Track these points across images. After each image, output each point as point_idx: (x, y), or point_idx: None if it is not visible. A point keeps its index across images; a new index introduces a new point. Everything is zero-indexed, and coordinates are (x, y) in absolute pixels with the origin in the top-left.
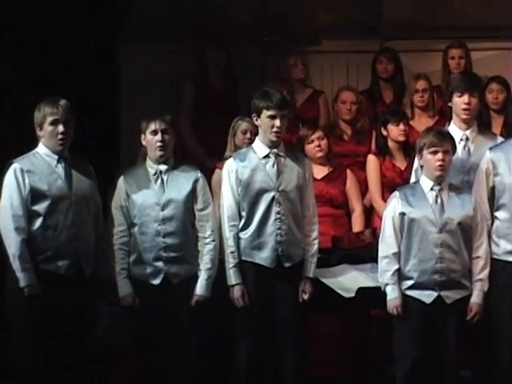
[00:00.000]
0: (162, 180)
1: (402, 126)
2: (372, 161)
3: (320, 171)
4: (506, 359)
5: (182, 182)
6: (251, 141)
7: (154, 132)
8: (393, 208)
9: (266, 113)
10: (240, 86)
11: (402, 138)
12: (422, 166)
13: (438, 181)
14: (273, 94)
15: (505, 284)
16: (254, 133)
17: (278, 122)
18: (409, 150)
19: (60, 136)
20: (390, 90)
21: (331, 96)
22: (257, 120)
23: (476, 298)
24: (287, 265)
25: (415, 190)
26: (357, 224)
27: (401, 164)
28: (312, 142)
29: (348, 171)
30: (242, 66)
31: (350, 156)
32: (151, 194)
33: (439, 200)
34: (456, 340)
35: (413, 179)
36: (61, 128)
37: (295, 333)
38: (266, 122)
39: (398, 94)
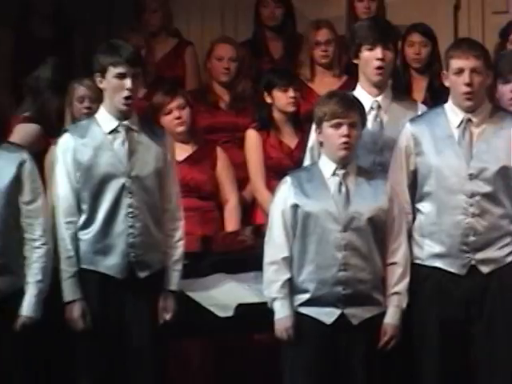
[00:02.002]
0: None
1: (291, 93)
2: (252, 137)
3: (181, 151)
4: None
5: (1, 166)
6: (92, 111)
7: None
8: (282, 199)
9: (112, 71)
10: (75, 36)
11: (291, 108)
12: (321, 143)
13: (343, 163)
14: (121, 47)
15: (430, 297)
16: (95, 99)
17: (128, 83)
18: (300, 122)
19: None
20: (278, 42)
21: (202, 51)
22: (101, 82)
23: (391, 317)
24: (142, 275)
25: (312, 175)
26: (231, 220)
27: (290, 141)
28: (170, 112)
29: (218, 150)
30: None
31: (227, 130)
32: None
33: (343, 188)
34: (365, 371)
35: (307, 161)
36: None
37: (152, 363)
38: (114, 82)
39: (288, 48)
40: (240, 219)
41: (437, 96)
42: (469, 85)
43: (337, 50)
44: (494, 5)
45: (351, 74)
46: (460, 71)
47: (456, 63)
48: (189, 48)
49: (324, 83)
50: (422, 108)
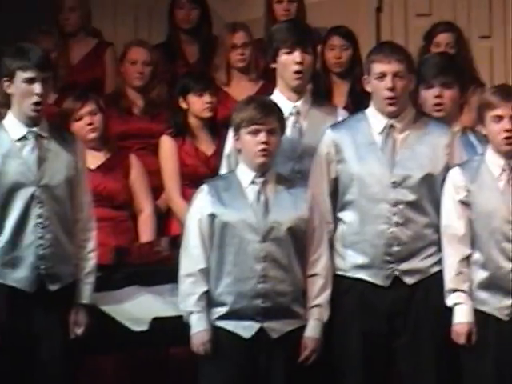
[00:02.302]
0: None
1: (207, 97)
2: (166, 144)
3: (93, 159)
4: None
5: None
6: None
7: None
8: (199, 208)
9: (21, 75)
10: None
11: (207, 114)
12: (239, 150)
13: (261, 170)
14: (30, 50)
15: (352, 310)
16: (3, 104)
17: (38, 88)
18: (217, 128)
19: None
20: (193, 45)
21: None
22: (9, 87)
23: (312, 331)
24: (53, 288)
25: (230, 184)
26: (146, 230)
27: (206, 148)
28: (81, 118)
29: (132, 158)
30: None
31: (141, 137)
32: None
33: (262, 197)
34: None
35: (224, 168)
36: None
37: (63, 378)
38: (22, 87)
39: (204, 51)
40: (155, 229)
41: (358, 101)
42: (391, 89)
43: (253, 54)
44: (418, 7)
45: (269, 80)
46: (382, 76)
47: (378, 67)
48: (109, 49)
49: (240, 88)
50: (342, 113)
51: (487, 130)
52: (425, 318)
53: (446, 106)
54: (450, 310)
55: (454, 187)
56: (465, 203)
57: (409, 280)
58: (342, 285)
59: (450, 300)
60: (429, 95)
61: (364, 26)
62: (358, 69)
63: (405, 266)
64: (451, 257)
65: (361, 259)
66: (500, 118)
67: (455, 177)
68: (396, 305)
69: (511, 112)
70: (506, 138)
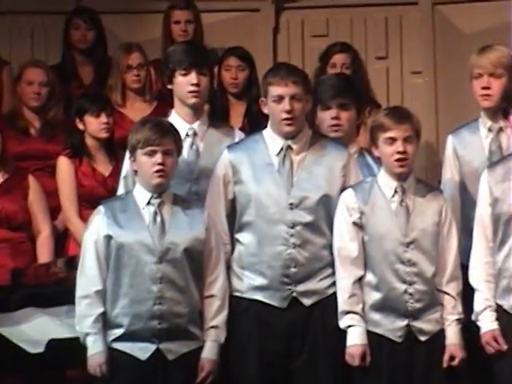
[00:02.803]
0: None
1: (103, 118)
2: (63, 165)
3: None
4: None
5: None
6: None
7: None
8: (95, 229)
9: None
10: None
11: (104, 134)
12: (135, 172)
13: (158, 191)
14: None
15: (250, 331)
16: None
17: None
18: (114, 149)
19: None
20: (88, 66)
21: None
22: None
23: (209, 352)
24: None
25: (126, 205)
26: (43, 251)
27: (104, 169)
28: None
29: (30, 178)
30: None
31: (38, 157)
32: None
33: (159, 218)
34: None
35: (121, 189)
36: None
37: None
38: None
39: (99, 72)
40: (53, 250)
41: (255, 122)
42: (289, 112)
43: (149, 75)
44: (314, 28)
45: (163, 100)
46: (280, 98)
47: (275, 90)
48: (6, 68)
49: (135, 109)
50: (239, 134)
51: (380, 151)
52: (322, 339)
53: (343, 127)
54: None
55: (346, 209)
56: (358, 225)
57: (306, 301)
58: (239, 306)
59: (343, 322)
60: (326, 116)
61: (261, 46)
62: (255, 89)
63: (302, 287)
64: (344, 279)
65: (258, 280)
66: (392, 140)
67: (348, 198)
68: (293, 326)
69: (404, 134)
70: (398, 160)
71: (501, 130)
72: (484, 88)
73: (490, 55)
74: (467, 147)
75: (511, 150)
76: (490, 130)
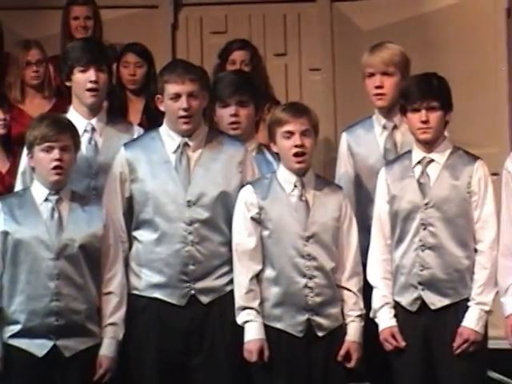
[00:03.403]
0: None
1: (0, 115)
2: None
3: None
4: None
5: None
6: None
7: None
8: None
9: None
10: None
11: (0, 131)
12: (33, 168)
13: (55, 188)
14: None
15: (148, 329)
16: None
17: None
18: (11, 145)
19: None
20: None
21: None
22: None
23: (106, 349)
24: None
25: (24, 201)
26: None
27: (1, 165)
28: None
29: None
30: None
31: None
32: None
33: (56, 214)
34: None
35: (19, 186)
36: None
37: None
38: None
39: None
40: None
41: (153, 118)
42: (186, 110)
43: (48, 71)
44: (213, 25)
45: (61, 97)
46: (177, 96)
47: (172, 88)
48: None
49: (34, 105)
50: (138, 130)
51: (278, 146)
52: (220, 337)
53: (242, 124)
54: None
55: (245, 204)
56: (256, 220)
57: (204, 299)
58: (137, 304)
59: (240, 318)
60: (225, 113)
61: (160, 42)
62: (153, 86)
63: (200, 284)
64: (241, 274)
65: (156, 278)
66: (290, 133)
67: (247, 194)
68: (192, 324)
69: (301, 128)
70: (296, 154)
71: (395, 127)
72: (377, 87)
73: (381, 54)
74: (362, 145)
75: (406, 147)
76: (384, 127)
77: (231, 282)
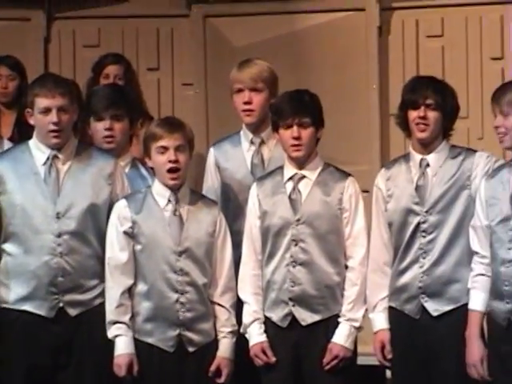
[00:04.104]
0: None
1: None
2: None
3: None
4: None
5: None
6: None
7: None
8: None
9: None
10: None
11: None
12: None
13: None
14: None
15: (17, 343)
16: None
17: None
18: None
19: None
20: None
21: None
22: None
23: None
24: None
25: None
26: None
27: None
28: None
29: None
30: None
31: None
32: None
33: None
34: None
35: None
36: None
37: None
38: None
39: None
40: None
41: (25, 131)
42: (56, 124)
43: None
44: (86, 38)
45: None
46: (46, 110)
47: (42, 102)
48: None
49: None
50: (7, 144)
51: (153, 161)
52: (89, 352)
53: (117, 138)
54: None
55: (118, 218)
56: (129, 234)
57: (72, 311)
58: (7, 317)
59: (110, 332)
60: (99, 127)
61: (32, 55)
62: (25, 99)
63: (68, 297)
64: (113, 289)
65: (25, 290)
66: (164, 149)
67: (120, 208)
68: (61, 337)
69: (175, 143)
70: (170, 169)
71: (262, 142)
72: (245, 103)
73: (250, 70)
74: (229, 160)
75: (273, 162)
76: (252, 142)
77: (100, 295)
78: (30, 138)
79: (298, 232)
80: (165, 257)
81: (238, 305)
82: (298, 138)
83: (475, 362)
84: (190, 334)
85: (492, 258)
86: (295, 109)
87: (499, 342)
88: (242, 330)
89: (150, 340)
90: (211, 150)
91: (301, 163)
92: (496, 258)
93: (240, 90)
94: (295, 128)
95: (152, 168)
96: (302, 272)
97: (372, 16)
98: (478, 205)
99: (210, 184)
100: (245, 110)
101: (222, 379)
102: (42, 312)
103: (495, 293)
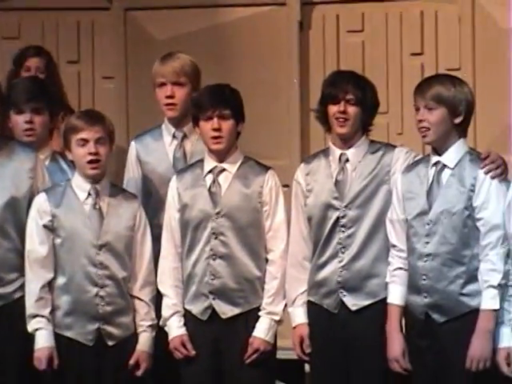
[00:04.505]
0: None
1: None
2: None
3: None
4: None
5: None
6: None
7: None
8: None
9: None
10: None
11: None
12: None
13: None
14: None
15: None
16: None
17: None
18: None
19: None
20: None
21: None
22: None
23: None
24: None
25: None
26: None
27: None
28: None
29: None
30: None
31: None
32: None
33: None
34: None
35: None
36: None
37: None
38: None
39: None
40: None
41: None
42: None
43: None
44: (5, 30)
45: None
46: None
47: None
48: None
49: None
50: None
51: (73, 154)
52: (9, 344)
53: (37, 131)
54: None
55: (38, 212)
56: (49, 228)
57: None
58: None
59: (30, 326)
60: (20, 120)
61: None
62: None
63: None
64: (32, 282)
65: None
66: (85, 141)
67: (40, 202)
68: None
69: (95, 136)
70: (90, 161)
71: (185, 136)
72: (168, 97)
73: (172, 63)
74: (151, 154)
75: (196, 156)
76: (174, 136)
77: (20, 289)
78: None
79: (217, 225)
80: (84, 250)
81: (159, 298)
82: (218, 130)
83: (397, 356)
84: (109, 328)
85: (409, 251)
86: (215, 101)
87: (417, 335)
88: (161, 323)
89: (69, 334)
90: (132, 143)
91: (221, 156)
92: (413, 252)
93: (162, 84)
94: (215, 120)
95: (72, 162)
96: (222, 265)
97: (293, 10)
98: (394, 199)
99: (131, 177)
100: (167, 104)
101: (140, 372)
102: None
103: (413, 287)
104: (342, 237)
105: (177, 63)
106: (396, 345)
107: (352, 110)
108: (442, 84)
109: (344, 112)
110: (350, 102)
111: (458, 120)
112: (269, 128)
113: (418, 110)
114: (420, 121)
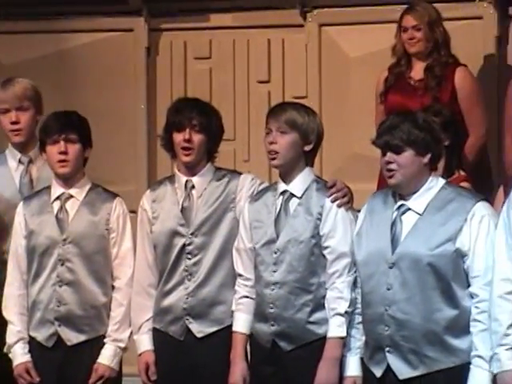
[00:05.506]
0: None
1: None
2: None
3: None
4: None
5: None
6: None
7: None
8: None
9: None
10: None
11: None
12: None
13: None
14: None
15: None
16: None
17: None
18: None
19: None
20: None
21: None
22: None
23: None
24: None
25: None
26: None
27: None
28: None
29: None
30: None
31: None
32: None
33: None
34: None
35: None
36: None
37: None
38: None
39: None
40: None
41: None
42: None
43: None
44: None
45: None
46: None
47: None
48: None
49: None
50: None
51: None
52: None
53: None
54: None
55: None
56: None
57: None
58: None
59: None
60: None
61: None
62: None
63: None
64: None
65: None
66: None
67: None
68: None
69: None
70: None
71: (31, 161)
72: (13, 123)
73: (14, 89)
74: None
75: (42, 182)
76: (20, 161)
77: None
78: None
79: (64, 252)
80: None
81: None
82: (64, 153)
83: (236, 382)
84: None
85: (256, 280)
86: (62, 125)
87: (263, 363)
88: (5, 350)
89: None
90: None
91: (68, 182)
92: (260, 280)
93: (7, 111)
94: (62, 143)
95: None
96: (67, 292)
97: (140, 37)
98: (241, 228)
99: None
100: (13, 130)
101: None
102: None
103: (260, 315)
104: (189, 264)
105: (17, 88)
106: (237, 371)
107: (197, 137)
108: (296, 110)
109: (189, 140)
110: (195, 128)
111: (307, 148)
112: (116, 153)
113: (268, 133)
114: (271, 143)
